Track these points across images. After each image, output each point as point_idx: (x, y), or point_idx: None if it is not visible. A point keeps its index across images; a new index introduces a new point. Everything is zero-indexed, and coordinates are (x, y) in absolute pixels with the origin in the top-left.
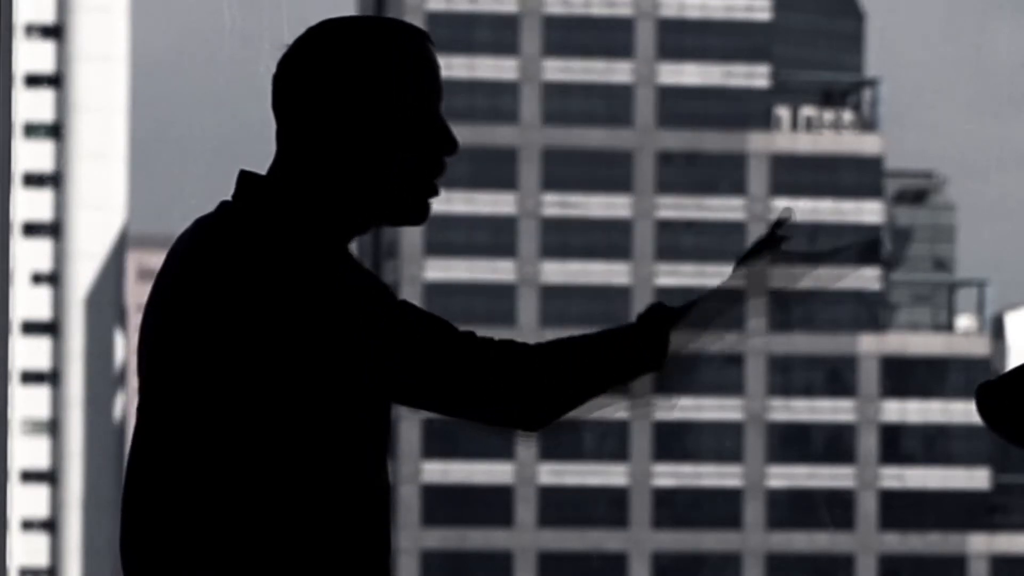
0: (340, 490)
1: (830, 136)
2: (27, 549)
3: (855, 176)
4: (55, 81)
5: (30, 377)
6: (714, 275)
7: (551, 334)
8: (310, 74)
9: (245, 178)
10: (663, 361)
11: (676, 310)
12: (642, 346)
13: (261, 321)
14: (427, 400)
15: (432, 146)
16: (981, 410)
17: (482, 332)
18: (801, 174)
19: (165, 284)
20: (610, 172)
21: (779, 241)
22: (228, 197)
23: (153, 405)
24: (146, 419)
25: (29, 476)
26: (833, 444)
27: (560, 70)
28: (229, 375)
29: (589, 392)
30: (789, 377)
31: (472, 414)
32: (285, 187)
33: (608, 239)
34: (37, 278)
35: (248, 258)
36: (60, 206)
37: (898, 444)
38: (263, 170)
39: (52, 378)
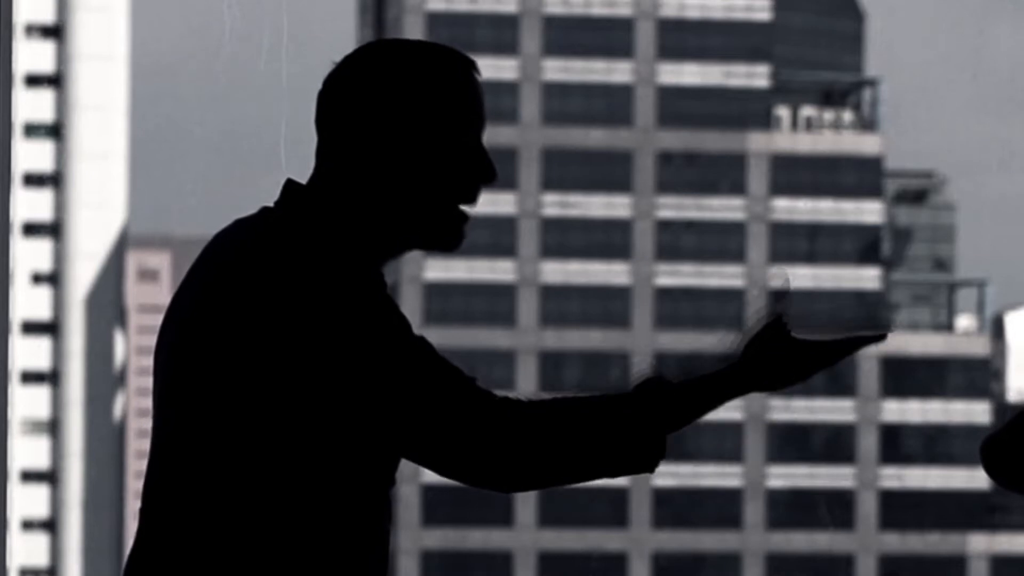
0: (339, 501)
1: (830, 136)
2: (27, 549)
3: (855, 176)
4: (55, 81)
5: (30, 377)
6: (714, 275)
7: (551, 334)
8: (353, 96)
9: (291, 188)
10: (656, 464)
11: (677, 394)
12: (640, 452)
13: (281, 331)
14: (412, 438)
15: (469, 174)
16: (987, 466)
17: (482, 332)
18: (801, 174)
19: (196, 282)
20: (610, 172)
21: (782, 320)
22: (227, 197)
23: (168, 403)
24: (160, 417)
25: (29, 476)
26: (833, 444)
27: (560, 70)
28: (242, 380)
29: (574, 477)
30: None
31: (451, 468)
32: (327, 204)
33: (608, 239)
34: (37, 278)
35: (280, 272)
36: (60, 206)
37: (898, 444)
38: (264, 171)
39: (52, 378)
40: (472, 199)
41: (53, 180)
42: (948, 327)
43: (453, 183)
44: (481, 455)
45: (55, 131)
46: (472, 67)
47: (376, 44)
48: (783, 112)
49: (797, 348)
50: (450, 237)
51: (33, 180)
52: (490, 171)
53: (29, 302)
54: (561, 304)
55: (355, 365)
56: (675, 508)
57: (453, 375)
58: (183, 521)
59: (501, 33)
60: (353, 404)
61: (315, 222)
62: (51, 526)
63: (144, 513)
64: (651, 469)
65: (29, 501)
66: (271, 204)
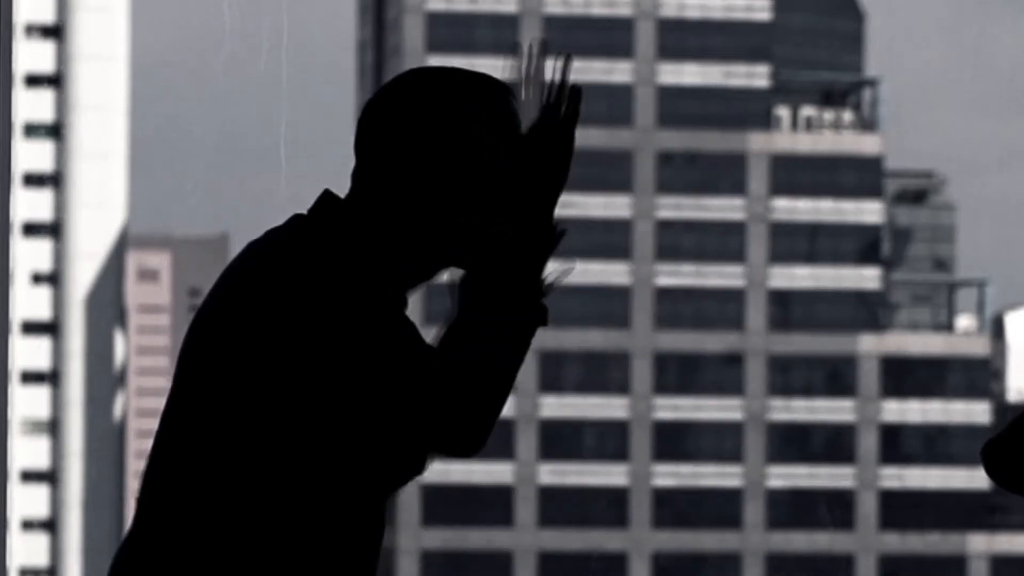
0: (332, 503)
1: (830, 136)
2: (27, 549)
3: (855, 176)
4: (55, 81)
5: (30, 377)
6: (714, 275)
7: (551, 334)
8: (391, 121)
9: (327, 200)
10: (544, 316)
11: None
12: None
13: (281, 337)
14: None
15: (493, 207)
16: (989, 469)
17: None
18: (801, 174)
19: (220, 289)
20: (610, 172)
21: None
22: (227, 197)
23: (176, 402)
24: (166, 415)
25: (29, 476)
26: (833, 444)
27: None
28: (243, 382)
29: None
30: (789, 377)
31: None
32: (361, 220)
33: (608, 239)
34: (37, 278)
35: (295, 280)
36: (60, 206)
37: (898, 444)
38: (264, 171)
39: (52, 378)
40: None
41: (53, 180)
42: (948, 327)
43: (478, 212)
44: (442, 416)
45: (55, 131)
46: (509, 94)
47: (415, 71)
48: (783, 112)
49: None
50: (474, 264)
51: (33, 180)
52: None
53: (29, 302)
54: (561, 304)
55: (348, 372)
56: (675, 508)
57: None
58: (178, 515)
59: (501, 33)
60: (342, 402)
61: (347, 236)
62: (51, 526)
63: (140, 505)
64: (544, 322)
65: (29, 501)
66: (269, 204)
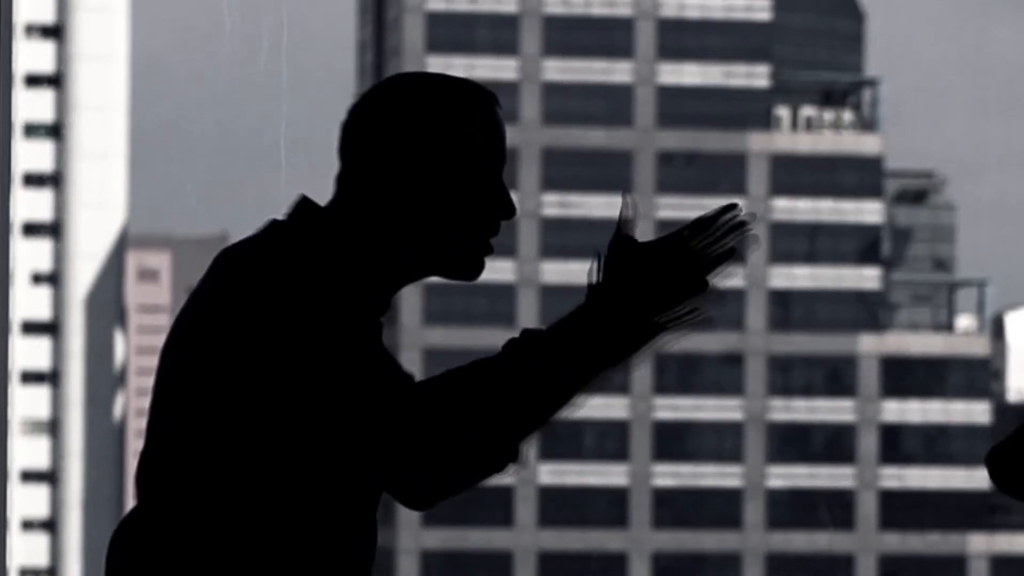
0: (309, 499)
1: (830, 136)
2: (27, 549)
3: (855, 176)
4: (55, 81)
5: (30, 377)
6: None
7: None
8: (376, 129)
9: (305, 205)
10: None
11: (552, 334)
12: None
13: (257, 343)
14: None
15: (489, 210)
16: (993, 476)
17: (482, 332)
18: (801, 174)
19: (197, 294)
20: (610, 172)
21: (626, 235)
22: (227, 197)
23: (158, 400)
24: (151, 418)
25: (29, 476)
26: (833, 444)
27: (560, 70)
28: (220, 384)
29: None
30: (789, 377)
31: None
32: (343, 226)
33: (608, 239)
34: (37, 278)
35: (272, 284)
36: (60, 206)
37: (898, 444)
38: (264, 171)
39: (52, 378)
40: (492, 231)
41: (53, 180)
42: (948, 327)
43: (473, 215)
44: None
45: (55, 131)
46: (494, 102)
47: (400, 76)
48: (783, 112)
49: (652, 251)
50: (468, 269)
51: (33, 180)
52: (507, 207)
53: (29, 302)
54: (561, 304)
55: (315, 383)
56: (675, 508)
57: (398, 391)
58: (169, 505)
59: (501, 33)
60: (310, 413)
61: (331, 240)
62: (51, 526)
63: (137, 487)
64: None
65: (29, 501)
66: (269, 204)
